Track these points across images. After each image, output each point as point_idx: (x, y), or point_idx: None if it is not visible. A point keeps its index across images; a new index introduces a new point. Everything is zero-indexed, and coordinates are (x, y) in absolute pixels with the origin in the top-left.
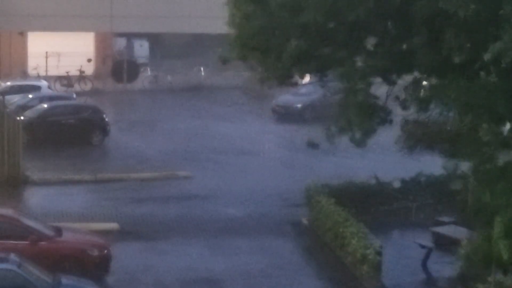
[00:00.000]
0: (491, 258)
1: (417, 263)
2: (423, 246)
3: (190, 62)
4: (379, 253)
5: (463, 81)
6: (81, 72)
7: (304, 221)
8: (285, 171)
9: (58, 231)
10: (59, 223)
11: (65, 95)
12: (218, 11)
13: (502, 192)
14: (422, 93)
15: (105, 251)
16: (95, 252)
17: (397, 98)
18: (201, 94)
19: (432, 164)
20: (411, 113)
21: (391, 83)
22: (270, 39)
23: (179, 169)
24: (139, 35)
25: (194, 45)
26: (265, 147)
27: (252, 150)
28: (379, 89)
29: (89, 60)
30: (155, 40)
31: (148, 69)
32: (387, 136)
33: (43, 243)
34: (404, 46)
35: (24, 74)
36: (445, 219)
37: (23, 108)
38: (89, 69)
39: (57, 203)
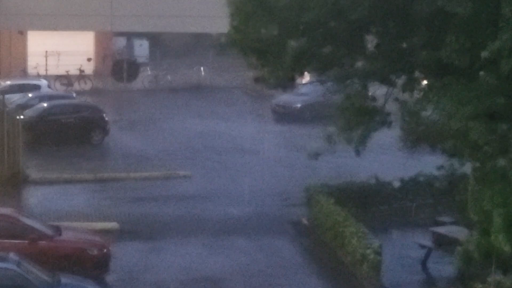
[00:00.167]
0: (491, 252)
1: (417, 263)
2: (423, 246)
3: (190, 61)
4: (378, 253)
5: (462, 82)
6: (81, 71)
7: (304, 220)
8: (284, 170)
9: (58, 230)
10: (58, 222)
11: (65, 94)
12: (218, 10)
13: (501, 192)
14: (420, 93)
15: (105, 250)
16: (95, 251)
17: (396, 99)
18: (201, 94)
19: (432, 164)
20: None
21: (390, 84)
22: (271, 39)
23: (179, 169)
24: (139, 35)
25: (194, 45)
26: (265, 146)
27: (252, 149)
28: (379, 89)
29: (89, 59)
30: (155, 39)
31: (148, 69)
32: (387, 136)
33: (42, 242)
34: (404, 46)
35: (24, 73)
36: (445, 219)
37: (23, 107)
38: (89, 68)
39: (56, 202)
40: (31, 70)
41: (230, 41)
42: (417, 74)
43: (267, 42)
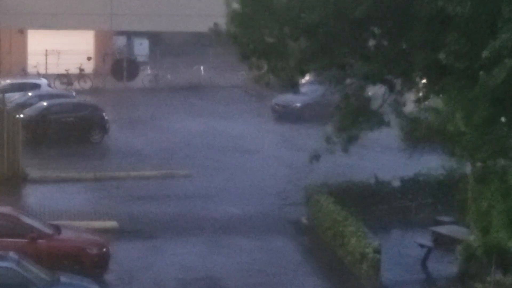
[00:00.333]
0: (493, 251)
1: (417, 262)
2: (422, 246)
3: (190, 60)
4: (378, 252)
5: (459, 83)
6: (81, 70)
7: (304, 220)
8: (284, 170)
9: (57, 229)
10: (58, 221)
11: (64, 93)
12: (218, 9)
13: (500, 190)
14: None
15: (104, 249)
16: (94, 250)
17: (395, 101)
18: (201, 93)
19: (432, 164)
20: (411, 111)
21: (388, 86)
22: (273, 40)
23: (178, 168)
24: (139, 34)
25: (194, 44)
26: (265, 146)
27: (252, 149)
28: (379, 90)
29: (89, 58)
30: (155, 38)
31: (148, 68)
32: (386, 136)
33: (42, 241)
34: (403, 46)
35: (24, 72)
36: (444, 218)
37: (22, 106)
38: (89, 67)
39: (56, 201)
40: (31, 69)
41: (231, 43)
42: (415, 74)
43: (268, 44)
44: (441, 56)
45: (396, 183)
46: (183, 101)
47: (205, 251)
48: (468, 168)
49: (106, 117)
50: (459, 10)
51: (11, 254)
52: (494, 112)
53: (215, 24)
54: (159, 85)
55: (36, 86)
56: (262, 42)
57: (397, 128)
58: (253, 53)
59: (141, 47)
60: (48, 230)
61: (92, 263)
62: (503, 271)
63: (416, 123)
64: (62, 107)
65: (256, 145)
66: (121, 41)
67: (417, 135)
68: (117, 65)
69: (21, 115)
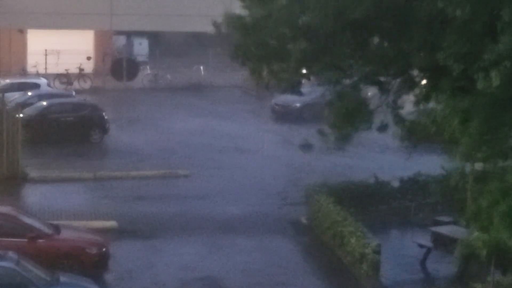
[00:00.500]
0: (494, 250)
1: (416, 263)
2: (422, 246)
3: (189, 60)
4: (377, 252)
5: (456, 85)
6: (81, 70)
7: (303, 220)
8: (284, 170)
9: (57, 229)
10: (57, 221)
11: (64, 93)
12: (218, 9)
13: (500, 190)
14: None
15: (104, 249)
16: (94, 250)
17: (393, 102)
18: (201, 93)
19: (431, 164)
20: (409, 112)
21: (383, 88)
22: (274, 44)
23: (178, 168)
24: (139, 33)
25: (194, 44)
26: (264, 146)
27: (251, 149)
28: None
29: (88, 58)
30: (154, 38)
31: (148, 68)
32: (386, 136)
33: (41, 240)
34: (402, 47)
35: (24, 72)
36: (444, 218)
37: (22, 105)
38: (89, 67)
39: (55, 201)
40: (30, 69)
41: (234, 55)
42: (415, 75)
43: (269, 47)
44: (440, 57)
45: (396, 183)
46: (183, 101)
47: (205, 251)
48: (467, 168)
49: (105, 117)
50: (459, 13)
51: (11, 253)
52: (492, 114)
53: (215, 22)
54: (158, 85)
55: (35, 86)
56: (263, 45)
57: (396, 128)
58: (253, 57)
59: (141, 47)
60: (47, 230)
61: (91, 263)
62: (502, 271)
63: (414, 125)
64: (62, 106)
65: (256, 145)
66: (121, 41)
67: (415, 137)
68: (117, 65)
69: (21, 115)
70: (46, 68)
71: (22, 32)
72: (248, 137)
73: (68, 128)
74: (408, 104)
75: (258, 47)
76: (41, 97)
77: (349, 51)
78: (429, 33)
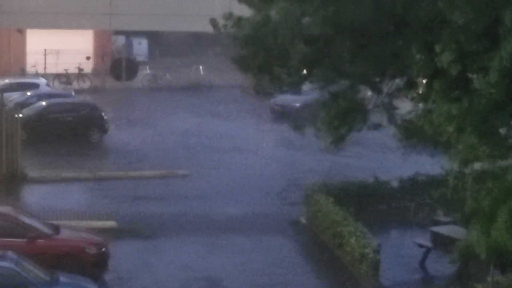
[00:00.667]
0: (494, 250)
1: (416, 263)
2: (421, 246)
3: (189, 60)
4: (377, 252)
5: (453, 87)
6: (80, 69)
7: (303, 220)
8: (283, 169)
9: (56, 229)
10: (57, 221)
11: (63, 93)
12: (217, 9)
13: (501, 190)
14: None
15: (103, 249)
16: (93, 250)
17: (389, 103)
18: (200, 93)
19: (431, 164)
20: (407, 112)
21: (374, 89)
22: (275, 48)
23: (177, 167)
24: (138, 33)
25: (193, 44)
26: (264, 145)
27: (251, 148)
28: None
29: (87, 58)
30: (154, 38)
31: (147, 67)
32: (385, 136)
33: (41, 241)
34: (402, 47)
35: (23, 72)
36: (443, 218)
37: (21, 105)
38: (88, 67)
39: (55, 201)
40: (29, 69)
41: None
42: (411, 76)
43: (271, 55)
44: (437, 59)
45: (395, 183)
46: (182, 101)
47: (204, 251)
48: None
49: (105, 117)
50: (459, 18)
51: (10, 253)
52: (490, 115)
53: (213, 20)
54: (158, 84)
55: (35, 86)
56: (264, 51)
57: (394, 129)
58: (254, 68)
59: (140, 47)
60: (47, 230)
61: (91, 263)
62: (501, 272)
63: (411, 126)
64: (61, 106)
65: (255, 145)
66: (120, 40)
67: (412, 138)
68: (116, 64)
69: (20, 115)
70: (45, 68)
71: (21, 32)
72: (248, 137)
73: (67, 128)
74: (408, 104)
75: (258, 57)
76: (40, 97)
77: (349, 54)
78: (428, 34)
